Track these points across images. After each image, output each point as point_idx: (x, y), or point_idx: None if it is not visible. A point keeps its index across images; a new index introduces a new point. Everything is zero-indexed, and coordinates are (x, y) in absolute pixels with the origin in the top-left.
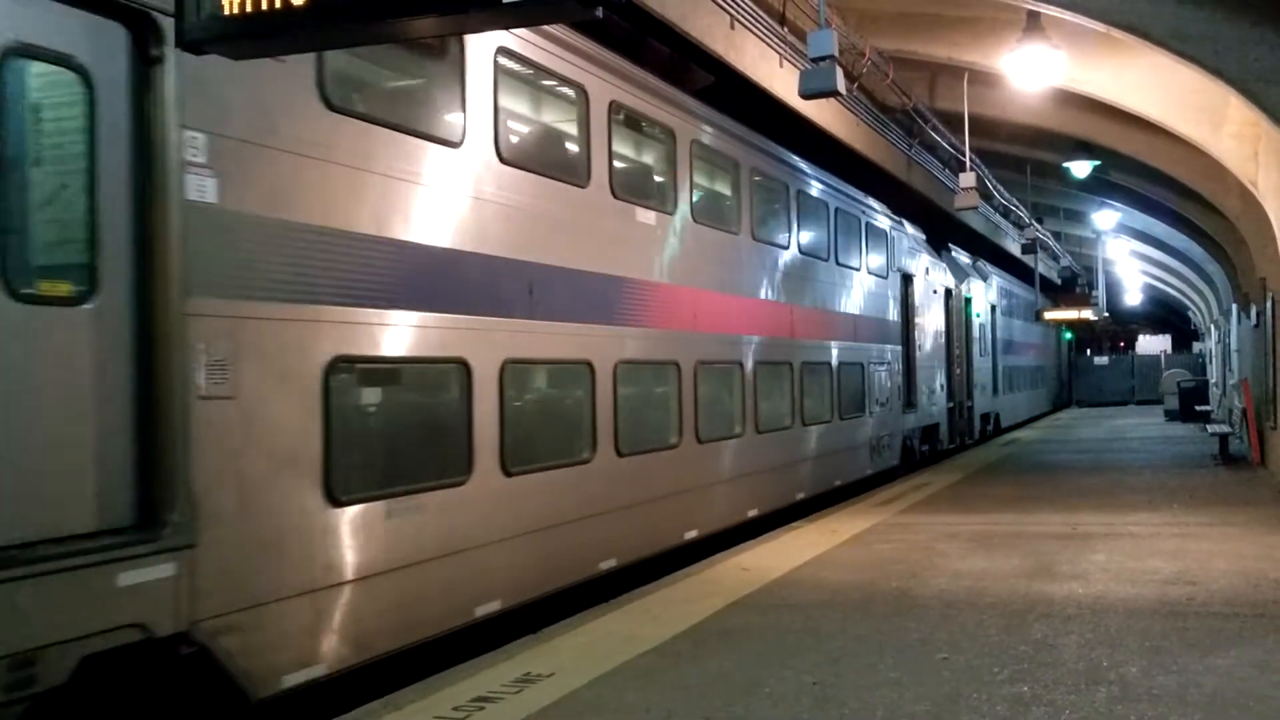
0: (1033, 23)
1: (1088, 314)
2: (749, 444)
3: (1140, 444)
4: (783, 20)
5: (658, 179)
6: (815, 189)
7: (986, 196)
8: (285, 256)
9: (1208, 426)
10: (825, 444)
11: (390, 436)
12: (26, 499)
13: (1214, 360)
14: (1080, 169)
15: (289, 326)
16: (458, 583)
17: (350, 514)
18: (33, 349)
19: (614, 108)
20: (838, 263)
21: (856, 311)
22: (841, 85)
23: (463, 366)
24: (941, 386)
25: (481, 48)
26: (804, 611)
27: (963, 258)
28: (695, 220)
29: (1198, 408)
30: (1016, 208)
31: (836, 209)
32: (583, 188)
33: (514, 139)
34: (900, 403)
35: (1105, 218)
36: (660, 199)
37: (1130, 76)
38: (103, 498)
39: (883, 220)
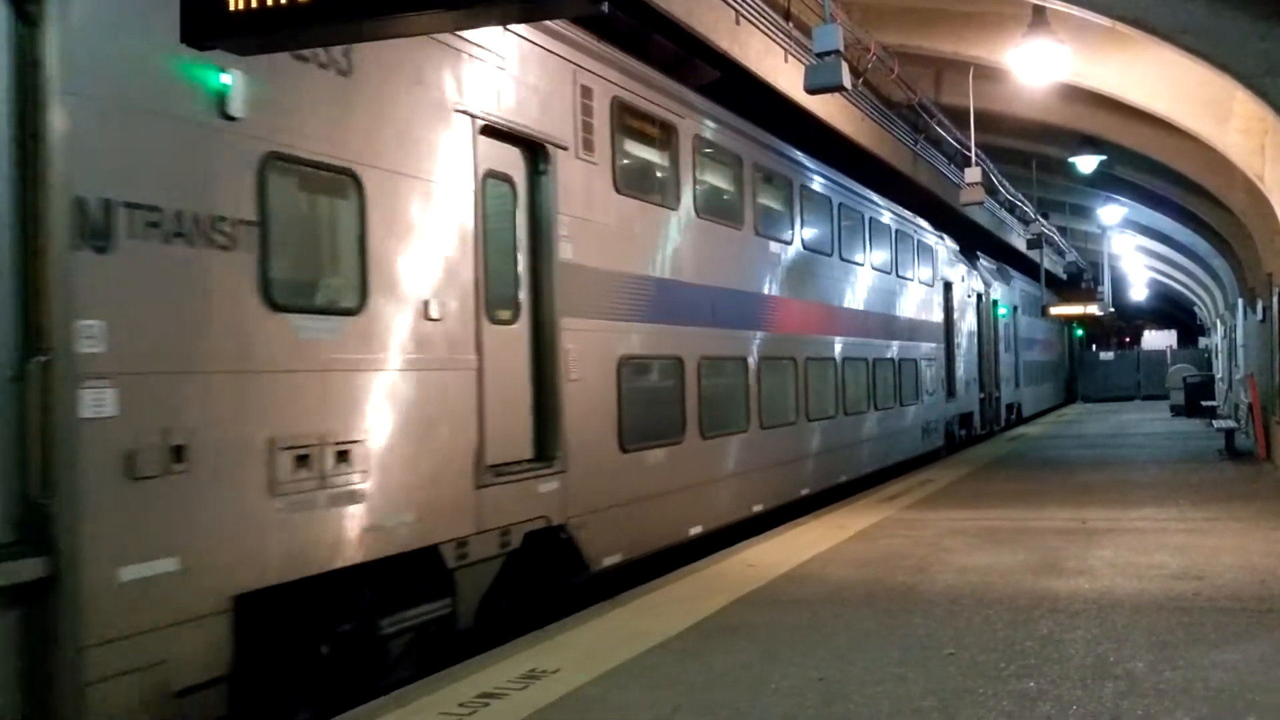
0: (1038, 17)
1: (1093, 309)
2: (838, 424)
3: (1146, 439)
4: (787, 15)
5: (781, 217)
6: (885, 217)
7: (992, 192)
8: (599, 290)
9: (1213, 422)
10: (890, 426)
11: (648, 409)
12: (500, 442)
13: (1220, 355)
14: (1086, 164)
15: (602, 335)
16: (681, 510)
17: (630, 458)
18: (497, 350)
19: (756, 168)
20: (898, 275)
21: (912, 316)
22: (847, 80)
23: (679, 361)
24: (975, 379)
25: (687, 134)
26: (810, 607)
27: (989, 263)
28: (805, 249)
29: (1203, 403)
30: (1022, 203)
31: (897, 230)
32: (739, 230)
33: (701, 199)
34: (944, 393)
35: (1111, 213)
36: (781, 232)
37: (1136, 71)
38: (527, 440)
39: (930, 237)
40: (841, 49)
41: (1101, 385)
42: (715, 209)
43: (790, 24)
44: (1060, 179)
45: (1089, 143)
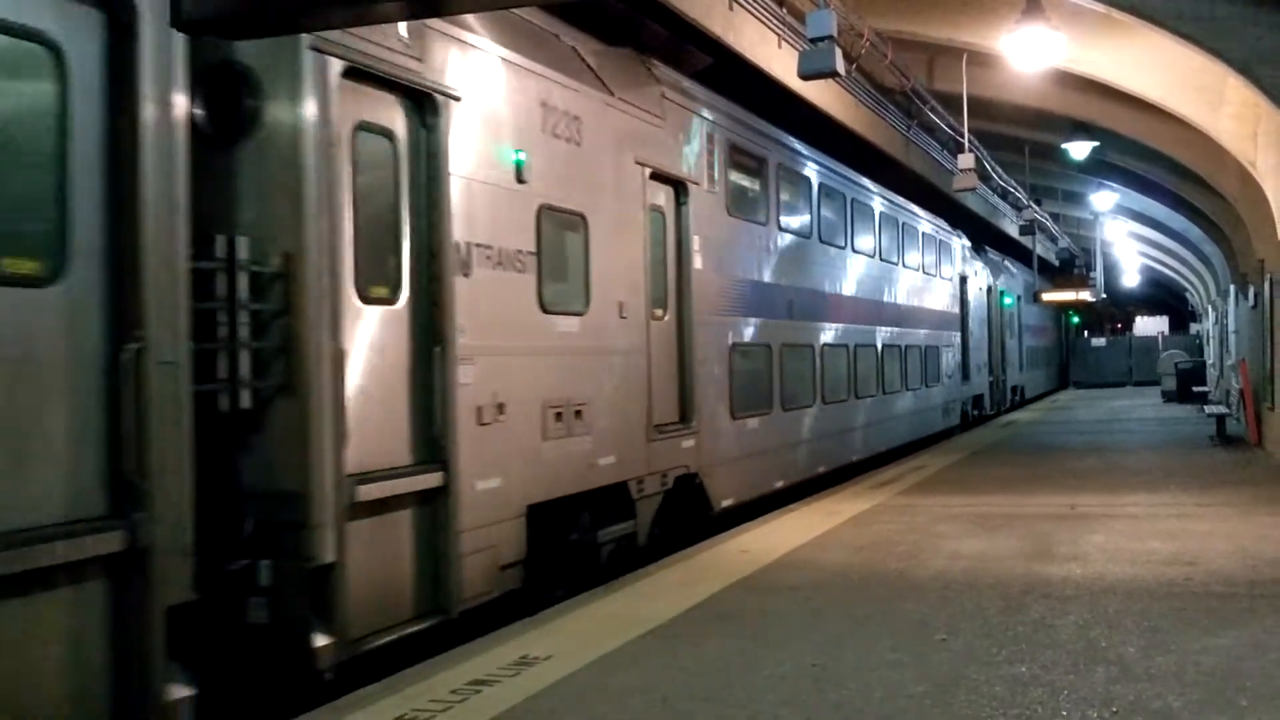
0: (1032, 3)
1: (1086, 295)
2: (879, 402)
3: (1138, 425)
4: (781, 1)
5: (837, 226)
6: (915, 222)
7: (985, 178)
8: (717, 292)
9: (1205, 407)
10: (919, 404)
11: (747, 386)
12: (659, 408)
13: (1211, 341)
14: (1079, 150)
15: (719, 327)
16: (770, 467)
17: (736, 424)
18: (655, 340)
19: (821, 187)
20: (925, 273)
21: (935, 308)
22: (840, 66)
23: (768, 348)
24: (985, 364)
25: (773, 164)
26: (803, 593)
27: (996, 257)
28: (854, 252)
29: (1195, 389)
30: (1015, 189)
31: (924, 233)
32: (807, 239)
33: (784, 214)
34: (960, 376)
35: (1103, 199)
36: (837, 238)
37: (1130, 57)
38: (674, 408)
39: (952, 239)
40: (835, 34)
41: (1094, 371)
42: (791, 222)
43: (784, 9)
44: (1053, 165)
45: (1082, 129)
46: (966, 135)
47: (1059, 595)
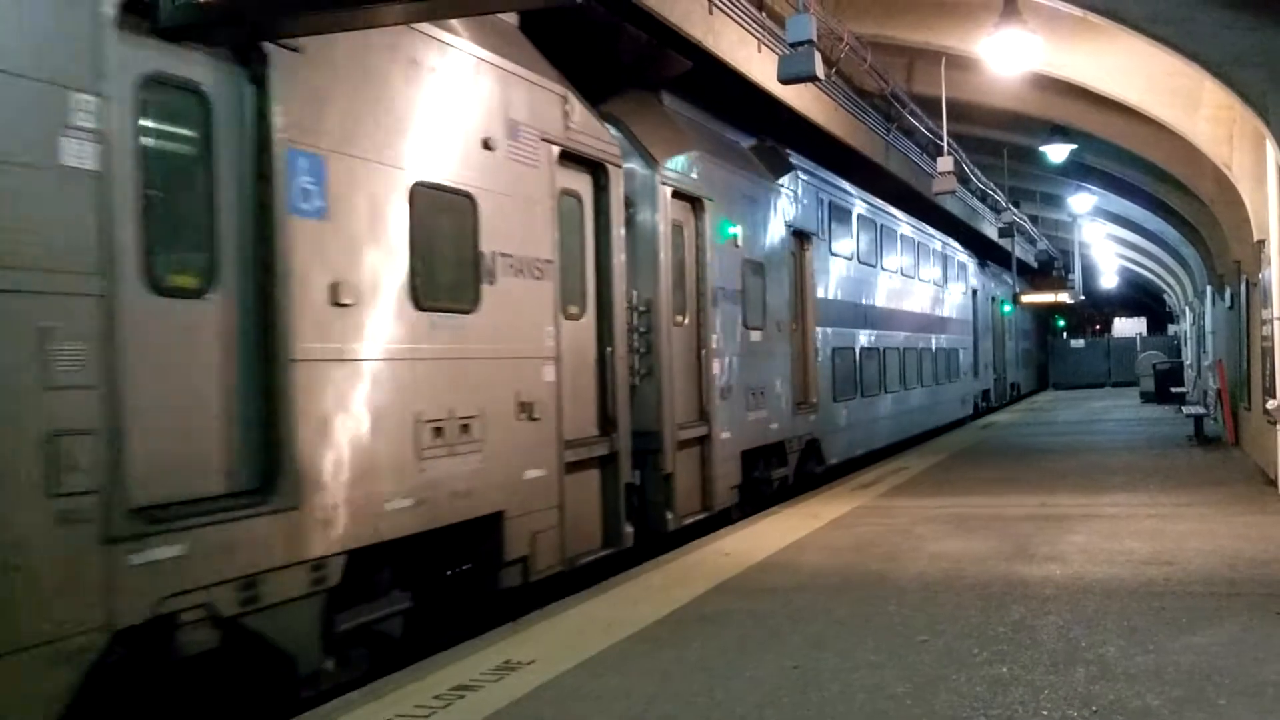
0: (1009, 7)
1: (1064, 297)
2: (920, 393)
3: (1116, 426)
4: (760, 5)
5: (890, 253)
6: (938, 245)
7: (964, 181)
8: (825, 310)
9: (1183, 408)
10: (945, 396)
11: (842, 377)
12: (796, 388)
13: (1189, 342)
14: (1057, 153)
15: (826, 335)
16: (857, 438)
17: (836, 405)
18: (791, 341)
19: (882, 228)
20: (948, 287)
21: (954, 317)
22: (820, 70)
23: (851, 349)
24: (990, 363)
25: (855, 212)
26: (784, 595)
27: (995, 269)
28: (901, 274)
29: (1173, 389)
30: (994, 192)
31: (946, 255)
32: (874, 267)
33: (859, 250)
34: (972, 373)
35: (1081, 201)
36: (886, 261)
37: (1107, 61)
38: (803, 389)
39: (964, 256)
40: (815, 39)
41: (1072, 372)
42: (864, 256)
43: (763, 14)
44: (1032, 168)
45: (1060, 132)
46: (945, 138)
47: (1039, 596)
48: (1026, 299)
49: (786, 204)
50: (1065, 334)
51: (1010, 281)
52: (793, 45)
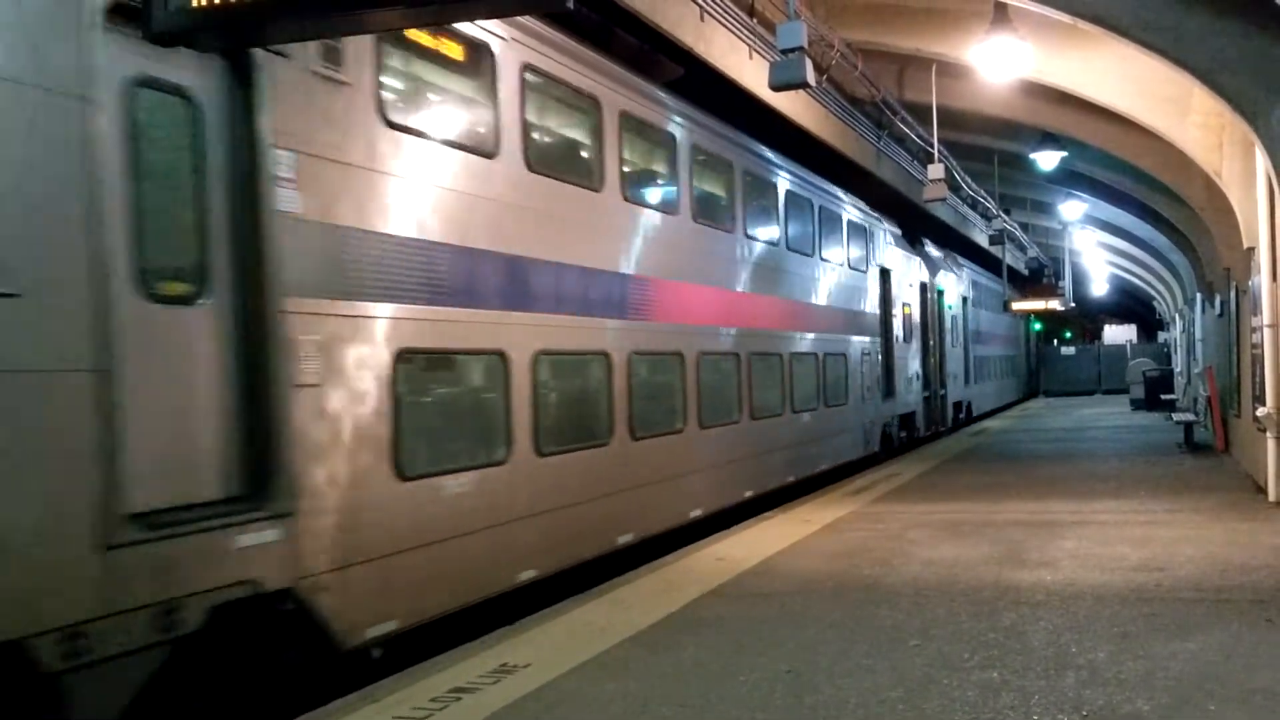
0: (1000, 14)
1: (1055, 304)
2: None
3: (1107, 433)
4: (751, 12)
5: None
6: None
7: (955, 188)
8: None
9: (1173, 415)
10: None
11: (900, 375)
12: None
13: (1179, 349)
14: (1047, 160)
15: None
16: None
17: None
18: (911, 350)
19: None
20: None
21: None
22: (811, 77)
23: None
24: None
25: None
26: (778, 600)
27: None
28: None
29: (1163, 396)
30: (984, 199)
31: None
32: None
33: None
34: (880, 392)
35: (1072, 209)
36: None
37: (1097, 68)
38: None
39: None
40: (806, 46)
41: (1063, 380)
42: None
43: (755, 20)
44: (1022, 175)
45: (1050, 139)
46: (936, 145)
47: (1030, 601)
48: (1017, 306)
49: (918, 267)
50: (1054, 340)
51: (961, 269)
52: (784, 52)
